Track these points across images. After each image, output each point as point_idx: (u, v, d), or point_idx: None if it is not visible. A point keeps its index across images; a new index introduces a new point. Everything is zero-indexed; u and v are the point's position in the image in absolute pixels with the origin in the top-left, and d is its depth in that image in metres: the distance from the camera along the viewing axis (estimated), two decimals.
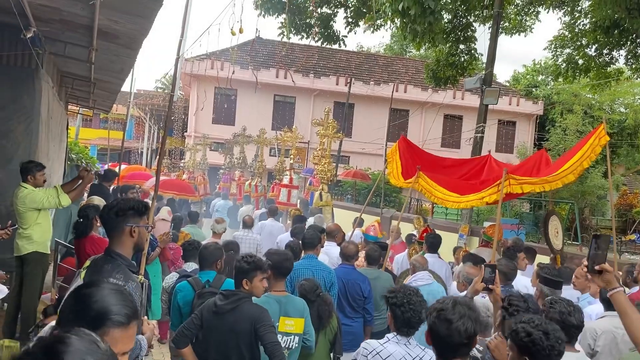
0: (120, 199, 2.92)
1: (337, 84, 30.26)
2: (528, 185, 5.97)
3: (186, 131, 31.67)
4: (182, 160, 27.37)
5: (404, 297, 3.02)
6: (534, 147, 29.49)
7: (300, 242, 5.39)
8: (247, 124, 23.76)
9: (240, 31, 5.93)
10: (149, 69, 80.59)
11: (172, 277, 5.11)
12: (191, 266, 5.32)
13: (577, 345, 3.15)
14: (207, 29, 6.00)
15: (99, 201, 5.82)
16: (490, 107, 11.82)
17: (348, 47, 20.12)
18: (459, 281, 4.62)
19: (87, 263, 2.70)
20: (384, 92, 28.46)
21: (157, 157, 8.32)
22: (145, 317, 2.78)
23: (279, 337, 3.68)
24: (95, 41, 5.09)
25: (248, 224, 7.99)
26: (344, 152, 26.71)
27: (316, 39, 15.81)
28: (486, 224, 10.76)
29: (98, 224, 5.19)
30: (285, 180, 14.07)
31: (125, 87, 11.29)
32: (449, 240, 10.24)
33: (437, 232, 9.17)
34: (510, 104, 31.18)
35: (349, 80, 25.80)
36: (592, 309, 4.32)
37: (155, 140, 35.82)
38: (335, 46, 16.56)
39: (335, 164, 24.12)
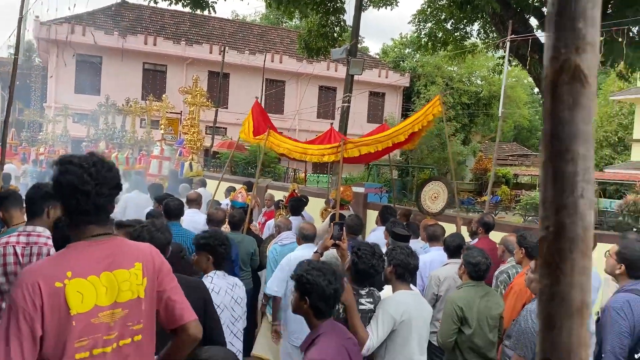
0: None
1: (210, 52, 29.46)
2: (365, 147, 6.45)
3: (45, 102, 29.12)
4: (40, 133, 25.15)
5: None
6: (402, 118, 31.21)
7: (164, 211, 5.32)
8: (114, 93, 22.45)
9: None
10: (2, 35, 72.46)
11: None
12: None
13: (412, 287, 3.51)
14: None
15: None
16: (361, 78, 12.32)
17: (222, 15, 19.61)
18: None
19: None
20: (259, 62, 28.29)
21: (3, 129, 7.64)
22: None
23: None
24: None
25: None
26: (221, 123, 26.29)
27: (184, 4, 15.22)
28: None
29: None
30: (156, 152, 13.61)
31: None
32: (319, 205, 10.63)
33: (310, 198, 9.50)
34: (379, 76, 32.55)
35: (222, 49, 25.26)
36: (425, 256, 4.93)
37: (14, 111, 32.50)
38: (205, 13, 16.07)
39: (212, 135, 23.73)
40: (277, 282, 4.51)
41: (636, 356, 3.11)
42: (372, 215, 8.47)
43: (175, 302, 1.99)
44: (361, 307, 3.17)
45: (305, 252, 4.31)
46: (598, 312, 3.60)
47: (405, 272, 3.30)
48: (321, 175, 22.42)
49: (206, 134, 23.52)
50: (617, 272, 3.50)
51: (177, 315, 1.98)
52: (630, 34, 10.36)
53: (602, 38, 9.53)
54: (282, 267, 4.52)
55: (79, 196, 1.81)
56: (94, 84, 27.78)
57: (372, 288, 3.29)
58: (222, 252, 3.46)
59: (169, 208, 5.18)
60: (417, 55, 33.18)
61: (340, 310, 3.09)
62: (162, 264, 2.03)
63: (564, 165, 0.53)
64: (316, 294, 2.48)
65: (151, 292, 1.95)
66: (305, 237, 4.66)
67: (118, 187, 1.93)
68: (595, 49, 0.52)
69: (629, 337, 3.16)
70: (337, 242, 3.58)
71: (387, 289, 3.52)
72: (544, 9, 12.99)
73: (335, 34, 14.90)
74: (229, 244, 3.55)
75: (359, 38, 12.93)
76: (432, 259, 4.80)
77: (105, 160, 1.91)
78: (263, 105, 24.16)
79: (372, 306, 3.22)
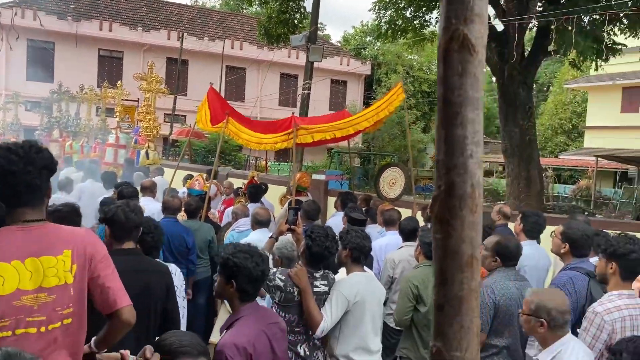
0: None
1: (168, 39, 28.82)
2: (318, 134, 6.37)
3: None
4: None
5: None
6: (363, 106, 31.36)
7: (117, 198, 5.24)
8: (68, 80, 21.75)
9: None
10: None
11: None
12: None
13: (366, 269, 3.58)
14: None
15: None
16: (322, 66, 12.31)
17: (180, 0, 19.24)
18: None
19: None
20: (218, 48, 27.85)
21: None
22: None
23: None
24: None
25: (63, 186, 7.47)
26: (180, 111, 25.86)
27: None
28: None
29: None
30: (112, 140, 13.33)
31: None
32: (280, 193, 10.64)
33: (271, 186, 9.49)
34: (341, 64, 32.53)
35: (180, 35, 24.78)
36: (381, 240, 5.10)
37: None
38: None
39: (170, 123, 23.32)
40: None
41: (578, 330, 3.27)
42: (333, 202, 8.53)
43: (110, 289, 2.05)
44: (316, 289, 3.22)
45: (260, 236, 4.32)
46: None
47: (361, 255, 3.38)
48: (283, 163, 22.38)
49: (165, 121, 23.12)
50: (562, 251, 3.65)
51: (111, 301, 2.05)
52: (582, 24, 10.65)
53: (553, 26, 9.76)
54: None
55: (7, 176, 1.86)
56: (47, 70, 26.81)
57: (326, 271, 3.35)
58: (149, 240, 3.30)
59: (122, 195, 5.13)
60: (378, 44, 33.36)
61: (295, 293, 3.13)
62: (96, 251, 2.07)
63: (455, 129, 0.56)
64: (243, 276, 2.42)
65: (81, 278, 1.99)
66: (259, 222, 4.67)
67: (47, 169, 1.95)
68: (483, 20, 0.55)
69: (572, 313, 3.31)
70: (292, 226, 3.62)
71: (342, 272, 3.58)
72: None
73: (295, 21, 14.80)
74: (160, 232, 3.42)
75: (321, 25, 12.90)
76: (387, 243, 4.90)
77: (37, 145, 1.95)
78: (223, 93, 23.93)
79: (326, 288, 3.28)
